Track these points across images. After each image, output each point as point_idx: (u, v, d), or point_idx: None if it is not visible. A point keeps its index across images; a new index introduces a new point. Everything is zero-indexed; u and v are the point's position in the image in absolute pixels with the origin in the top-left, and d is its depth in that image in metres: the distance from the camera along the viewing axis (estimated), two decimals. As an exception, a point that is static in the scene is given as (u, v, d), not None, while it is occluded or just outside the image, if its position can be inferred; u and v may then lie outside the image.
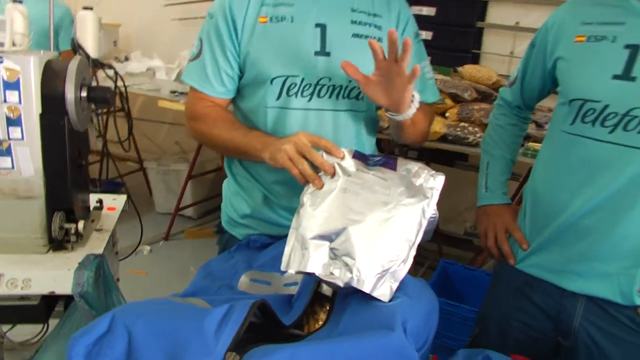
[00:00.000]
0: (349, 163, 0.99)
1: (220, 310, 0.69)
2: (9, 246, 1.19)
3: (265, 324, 0.82)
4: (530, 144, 2.17)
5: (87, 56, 1.37)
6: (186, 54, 3.55)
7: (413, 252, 0.90)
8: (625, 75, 0.97)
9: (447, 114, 2.39)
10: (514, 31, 3.08)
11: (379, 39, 1.13)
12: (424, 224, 0.92)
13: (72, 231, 1.22)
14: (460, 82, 2.41)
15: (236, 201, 1.26)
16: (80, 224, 1.23)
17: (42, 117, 1.15)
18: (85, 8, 1.89)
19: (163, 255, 2.82)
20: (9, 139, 1.15)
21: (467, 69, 2.57)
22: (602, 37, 1.01)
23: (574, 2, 1.12)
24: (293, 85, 1.12)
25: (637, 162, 0.97)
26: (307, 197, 0.96)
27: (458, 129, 2.29)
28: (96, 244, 1.27)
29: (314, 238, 0.90)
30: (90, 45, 1.75)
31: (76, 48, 1.42)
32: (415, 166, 0.97)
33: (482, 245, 1.31)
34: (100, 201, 1.45)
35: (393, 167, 0.98)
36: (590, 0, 1.08)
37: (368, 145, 1.23)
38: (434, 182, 0.94)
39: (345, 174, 0.97)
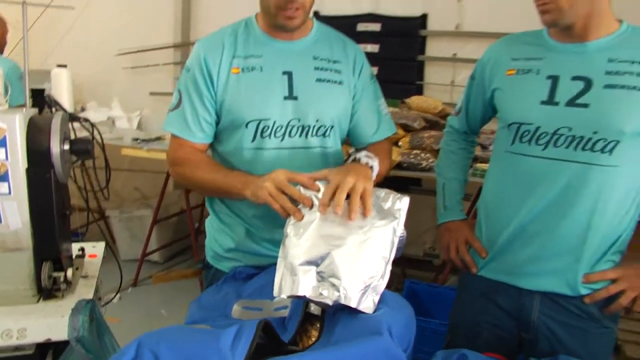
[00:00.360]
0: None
1: (232, 329, 0.78)
2: (-2, 298, 1.22)
3: (267, 343, 0.91)
4: (478, 164, 2.36)
5: (64, 111, 1.44)
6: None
7: (389, 268, 1.01)
8: (550, 100, 1.15)
9: (400, 143, 2.57)
10: (453, 62, 3.33)
11: (340, 82, 1.28)
12: (396, 241, 1.04)
13: (62, 279, 1.26)
14: (409, 113, 2.61)
15: (220, 237, 1.34)
16: (69, 272, 1.27)
17: (29, 171, 1.19)
18: (60, 66, 1.95)
19: (133, 301, 2.81)
20: None
21: (414, 100, 2.77)
22: (529, 70, 1.20)
23: (503, 41, 1.31)
24: (266, 128, 1.24)
25: (567, 172, 1.14)
26: (290, 228, 1.06)
27: (411, 156, 2.46)
28: (84, 290, 1.31)
29: (302, 264, 1.00)
30: (66, 100, 1.80)
31: (51, 104, 1.48)
32: (382, 192, 1.09)
33: (445, 258, 1.45)
34: (82, 249, 1.50)
35: None
36: (516, 40, 1.27)
37: None
38: (400, 204, 1.07)
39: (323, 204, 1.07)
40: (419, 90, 3.38)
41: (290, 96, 1.25)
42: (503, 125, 1.25)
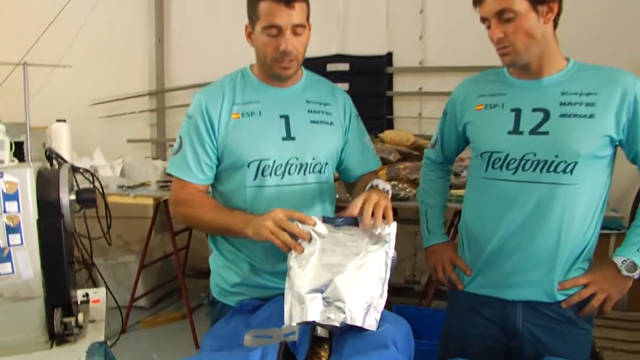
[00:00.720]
0: (321, 227, 1.21)
1: (257, 352, 0.86)
2: (10, 348, 1.24)
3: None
4: (452, 191, 2.52)
5: (65, 162, 1.52)
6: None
7: (386, 287, 1.13)
8: (516, 130, 1.31)
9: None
10: (419, 96, 3.52)
11: (331, 123, 1.42)
12: (389, 262, 1.16)
13: (73, 324, 1.31)
14: (384, 146, 2.76)
15: (225, 273, 1.43)
16: (80, 316, 1.32)
17: (39, 222, 1.25)
18: (59, 120, 2.01)
19: (124, 348, 2.79)
20: (8, 245, 1.23)
21: (388, 134, 2.94)
22: (495, 104, 1.36)
23: (469, 80, 1.48)
24: (267, 167, 1.35)
25: (536, 193, 1.29)
26: (292, 261, 1.17)
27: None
28: (95, 334, 1.36)
29: (309, 292, 1.10)
30: (66, 152, 1.86)
31: (52, 156, 1.56)
32: (372, 220, 1.20)
33: (433, 278, 1.57)
34: (86, 294, 1.54)
35: (355, 224, 1.21)
36: (480, 78, 1.44)
37: (330, 210, 1.47)
38: (389, 228, 1.19)
39: (320, 237, 1.19)
40: (390, 124, 3.54)
41: (289, 137, 1.37)
42: (476, 155, 1.40)
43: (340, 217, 1.25)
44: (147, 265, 3.10)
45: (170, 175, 1.44)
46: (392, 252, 1.17)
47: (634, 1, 2.92)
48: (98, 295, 1.61)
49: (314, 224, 1.20)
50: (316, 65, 3.57)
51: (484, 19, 1.28)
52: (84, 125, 4.10)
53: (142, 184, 2.84)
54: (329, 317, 1.06)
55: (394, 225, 1.19)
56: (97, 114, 4.10)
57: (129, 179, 2.89)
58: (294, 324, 1.09)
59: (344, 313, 1.06)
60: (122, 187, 2.75)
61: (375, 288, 1.11)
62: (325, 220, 1.23)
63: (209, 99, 1.37)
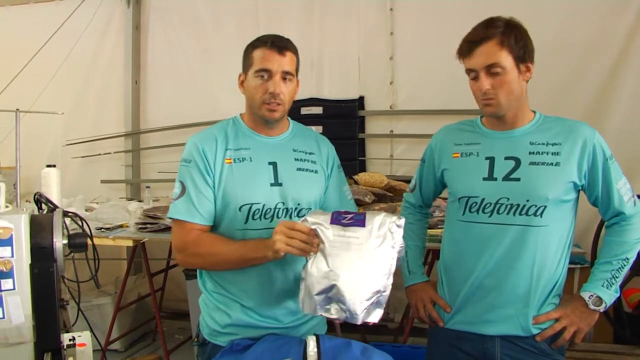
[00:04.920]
0: (329, 230, 1.28)
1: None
2: (-3, 397, 1.25)
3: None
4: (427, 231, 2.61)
5: (55, 207, 1.54)
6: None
7: (391, 280, 1.25)
8: (490, 176, 1.43)
9: (353, 216, 2.77)
10: (390, 138, 3.65)
11: (316, 171, 1.52)
12: (395, 255, 1.26)
13: (64, 368, 1.31)
14: (359, 188, 2.85)
15: (216, 314, 1.46)
16: (71, 360, 1.33)
17: (32, 266, 1.26)
18: (49, 166, 2.01)
19: (100, 393, 2.72)
20: (0, 291, 1.23)
21: (362, 176, 3.03)
22: (470, 153, 1.48)
23: (445, 129, 1.60)
24: (257, 211, 1.42)
25: (510, 234, 1.40)
26: (309, 262, 1.28)
27: (366, 227, 2.66)
28: (84, 377, 1.36)
29: (317, 293, 1.25)
30: (55, 196, 1.86)
31: (42, 201, 1.57)
32: (380, 217, 1.29)
33: (414, 316, 1.64)
34: (73, 338, 1.54)
35: (362, 224, 1.28)
36: (456, 128, 1.56)
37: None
38: (396, 226, 1.27)
39: (327, 241, 1.27)
40: (362, 166, 3.64)
41: (276, 183, 1.45)
42: (453, 199, 1.51)
43: (350, 213, 1.32)
44: (123, 307, 3.06)
45: (171, 219, 1.46)
46: (398, 245, 1.27)
47: (580, 59, 3.22)
48: (83, 338, 1.61)
49: (313, 235, 1.28)
50: (291, 108, 3.65)
51: (470, 70, 1.40)
52: (59, 165, 4.06)
53: (120, 226, 2.83)
54: (332, 314, 1.25)
55: (402, 221, 1.28)
56: (72, 154, 4.08)
57: (105, 221, 2.87)
58: (305, 312, 1.29)
59: (345, 312, 1.23)
60: (100, 229, 2.74)
61: (378, 285, 1.23)
62: (334, 220, 1.30)
63: (204, 143, 1.44)
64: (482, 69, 1.36)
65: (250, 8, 3.82)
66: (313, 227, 1.29)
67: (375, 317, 1.23)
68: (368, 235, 1.26)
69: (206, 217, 1.42)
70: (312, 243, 1.27)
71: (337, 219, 1.30)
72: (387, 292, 1.24)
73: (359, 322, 1.22)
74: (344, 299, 1.22)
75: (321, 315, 1.27)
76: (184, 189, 1.43)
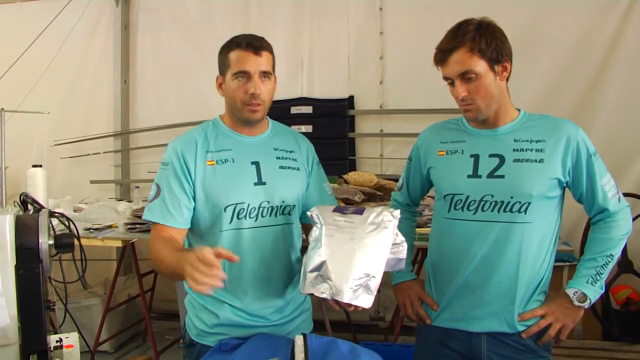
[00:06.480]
0: (328, 215, 1.34)
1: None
2: (-18, 399, 1.24)
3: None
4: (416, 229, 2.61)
5: (41, 207, 1.53)
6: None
7: (382, 268, 1.27)
8: (475, 174, 1.44)
9: (343, 215, 2.78)
10: (380, 137, 3.67)
11: (297, 169, 1.53)
12: (387, 246, 1.28)
13: (50, 370, 1.30)
14: (349, 188, 2.85)
15: (204, 315, 1.46)
16: (58, 362, 1.32)
17: (17, 267, 1.24)
18: (35, 166, 2.00)
19: (89, 395, 2.71)
20: None
21: (352, 176, 3.03)
22: (455, 151, 1.49)
23: (431, 128, 1.60)
24: (242, 210, 1.43)
25: (494, 230, 1.41)
26: (311, 238, 1.34)
27: (355, 226, 2.67)
28: (71, 379, 1.36)
29: (310, 270, 1.28)
30: (42, 197, 1.85)
31: (28, 201, 1.56)
32: (378, 209, 1.33)
33: (402, 314, 1.64)
34: (60, 339, 1.53)
35: (361, 213, 1.34)
36: (442, 127, 1.57)
37: (298, 246, 1.55)
38: (392, 216, 1.31)
39: (325, 223, 1.32)
40: (352, 165, 3.65)
41: (260, 182, 1.46)
42: (439, 197, 1.52)
43: (351, 206, 1.39)
44: (113, 308, 3.04)
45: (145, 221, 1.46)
46: (391, 236, 1.29)
47: (568, 56, 3.25)
48: (70, 340, 1.60)
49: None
50: (281, 107, 3.65)
51: (446, 78, 1.41)
52: (47, 165, 4.04)
53: (109, 226, 2.82)
54: (322, 292, 1.26)
55: (397, 212, 1.31)
56: (61, 154, 4.05)
57: (94, 221, 2.85)
58: (301, 292, 1.32)
59: (332, 289, 1.25)
60: (88, 229, 2.72)
61: (368, 268, 1.25)
62: (338, 208, 1.37)
63: (184, 146, 1.45)
64: (457, 76, 1.37)
65: (241, 7, 3.82)
66: (314, 214, 1.34)
67: (364, 301, 1.24)
68: (363, 222, 1.30)
69: (180, 221, 1.42)
70: (212, 275, 1.13)
71: (340, 209, 1.36)
72: (378, 279, 1.26)
73: (345, 300, 1.22)
74: (331, 275, 1.25)
75: (312, 294, 1.28)
76: (158, 191, 1.43)
